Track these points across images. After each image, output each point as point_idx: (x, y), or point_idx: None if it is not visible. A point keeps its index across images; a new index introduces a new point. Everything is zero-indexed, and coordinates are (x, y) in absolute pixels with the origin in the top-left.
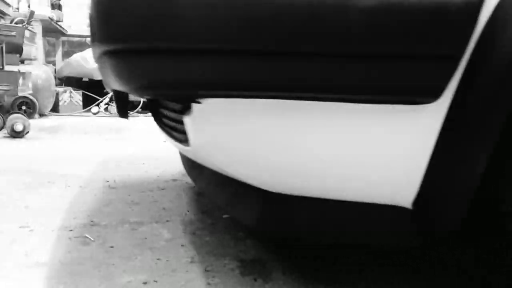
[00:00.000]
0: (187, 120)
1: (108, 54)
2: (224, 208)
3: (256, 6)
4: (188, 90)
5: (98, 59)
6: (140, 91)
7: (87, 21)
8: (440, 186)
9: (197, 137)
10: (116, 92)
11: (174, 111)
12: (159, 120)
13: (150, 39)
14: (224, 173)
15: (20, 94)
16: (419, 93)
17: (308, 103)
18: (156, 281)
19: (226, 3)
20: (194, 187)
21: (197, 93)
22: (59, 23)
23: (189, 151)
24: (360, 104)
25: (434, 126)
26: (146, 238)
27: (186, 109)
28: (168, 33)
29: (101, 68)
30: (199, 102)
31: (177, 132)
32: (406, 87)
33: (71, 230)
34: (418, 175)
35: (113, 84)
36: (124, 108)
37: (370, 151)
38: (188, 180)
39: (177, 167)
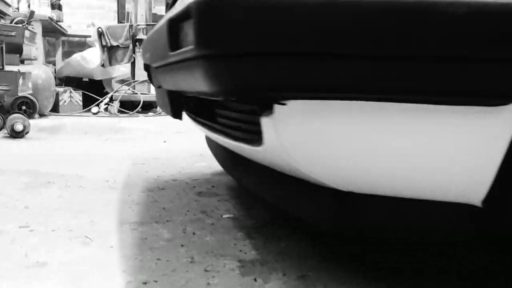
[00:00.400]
0: (265, 120)
1: (205, 58)
2: (281, 205)
3: (360, 12)
4: (283, 92)
5: (179, 62)
6: (231, 93)
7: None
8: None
9: (276, 137)
10: (170, 93)
11: (241, 112)
12: (212, 119)
13: (254, 44)
14: (297, 173)
15: (20, 94)
16: (498, 95)
17: (390, 104)
18: (156, 281)
19: (327, 9)
20: (195, 187)
21: (293, 95)
22: (59, 23)
23: (257, 151)
24: (439, 105)
25: (509, 127)
26: (146, 238)
27: (265, 110)
28: (271, 38)
29: (175, 71)
30: (283, 104)
31: (241, 132)
32: (486, 89)
33: (71, 230)
34: (491, 174)
35: (198, 86)
36: (179, 109)
37: (446, 151)
38: (188, 180)
39: (177, 167)
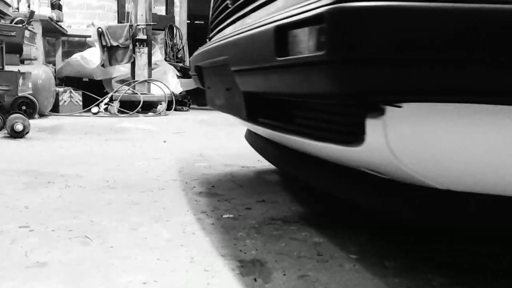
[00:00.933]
0: (371, 122)
1: (334, 62)
2: (361, 202)
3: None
4: (410, 95)
5: (289, 66)
6: (351, 96)
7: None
8: None
9: (384, 138)
10: (248, 94)
11: (335, 113)
12: (285, 120)
13: (390, 50)
14: (396, 172)
15: (20, 94)
16: None
17: (498, 107)
18: (156, 281)
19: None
20: (194, 187)
21: (417, 98)
22: (59, 23)
23: (345, 151)
24: None
25: None
26: (146, 238)
27: (373, 112)
28: (407, 45)
29: (276, 74)
30: (399, 106)
31: (330, 133)
32: None
33: (71, 230)
34: None
35: (311, 89)
36: (255, 110)
37: None
38: (188, 180)
39: (177, 167)
